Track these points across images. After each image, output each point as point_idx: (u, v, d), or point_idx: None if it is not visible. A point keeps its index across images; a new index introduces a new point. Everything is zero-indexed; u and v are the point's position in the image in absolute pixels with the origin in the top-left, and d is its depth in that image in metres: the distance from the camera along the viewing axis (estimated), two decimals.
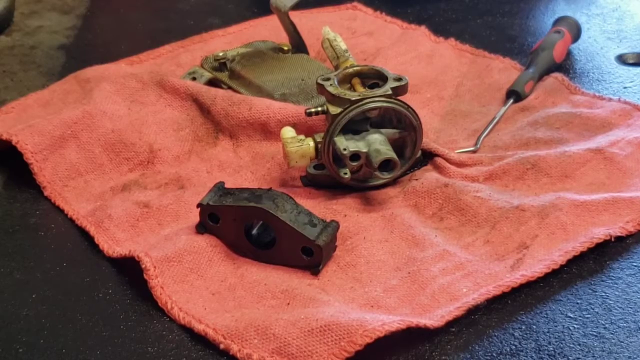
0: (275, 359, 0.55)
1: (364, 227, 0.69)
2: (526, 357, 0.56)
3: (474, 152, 0.78)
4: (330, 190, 0.74)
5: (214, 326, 0.59)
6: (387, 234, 0.68)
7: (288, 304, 0.61)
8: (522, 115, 0.83)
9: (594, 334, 0.58)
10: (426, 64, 0.94)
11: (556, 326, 0.59)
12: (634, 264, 0.65)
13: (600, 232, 0.65)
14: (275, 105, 0.80)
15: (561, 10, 1.06)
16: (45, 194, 0.75)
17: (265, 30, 1.02)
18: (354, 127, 0.71)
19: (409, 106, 0.72)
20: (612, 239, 0.65)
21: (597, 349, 0.57)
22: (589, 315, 0.60)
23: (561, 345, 0.57)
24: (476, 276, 0.62)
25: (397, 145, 0.72)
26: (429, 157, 0.77)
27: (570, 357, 0.56)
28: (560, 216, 0.67)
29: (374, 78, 0.75)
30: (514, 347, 0.57)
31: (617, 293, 0.62)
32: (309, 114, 0.73)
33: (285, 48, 0.94)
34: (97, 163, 0.78)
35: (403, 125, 0.72)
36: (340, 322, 0.56)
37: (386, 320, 0.56)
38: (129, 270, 0.65)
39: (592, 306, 0.61)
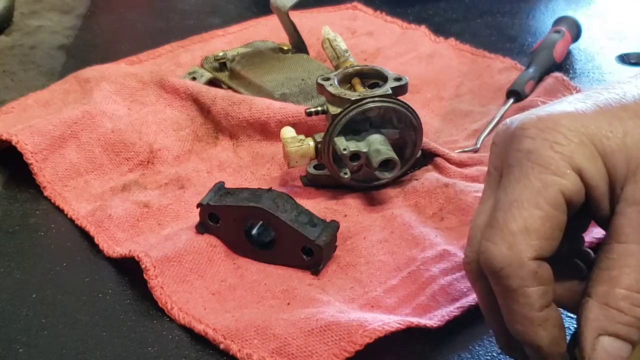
0: (275, 359, 0.55)
1: (364, 227, 0.69)
2: None
3: (474, 152, 0.78)
4: (330, 190, 0.74)
5: (214, 326, 0.59)
6: (387, 234, 0.68)
7: (288, 304, 0.61)
8: None
9: None
10: (426, 64, 0.94)
11: None
12: None
13: (600, 232, 0.65)
14: (275, 105, 0.80)
15: (561, 10, 1.06)
16: (45, 194, 0.75)
17: (265, 30, 1.02)
18: (354, 127, 0.71)
19: (409, 106, 0.72)
20: None
21: None
22: None
23: None
24: None
25: (397, 145, 0.72)
26: (429, 157, 0.77)
27: None
28: None
29: (374, 78, 0.75)
30: None
31: None
32: (309, 114, 0.73)
33: (285, 48, 0.94)
34: (97, 163, 0.78)
35: (403, 125, 0.72)
36: (341, 322, 0.56)
37: (386, 321, 0.56)
38: (129, 270, 0.65)
39: None
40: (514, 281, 0.45)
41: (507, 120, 0.49)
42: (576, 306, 0.47)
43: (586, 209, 0.46)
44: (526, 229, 0.44)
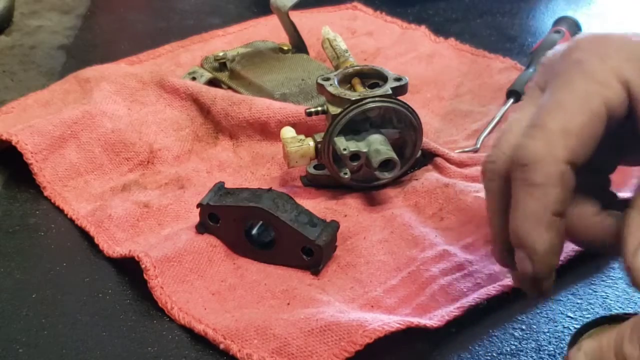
0: (275, 359, 0.55)
1: (364, 227, 0.69)
2: (526, 357, 0.56)
3: (474, 152, 0.78)
4: (330, 190, 0.74)
5: (214, 326, 0.59)
6: (387, 234, 0.68)
7: (288, 304, 0.61)
8: None
9: None
10: (426, 64, 0.94)
11: (556, 326, 0.59)
12: None
13: None
14: (275, 105, 0.80)
15: (561, 10, 1.06)
16: (45, 194, 0.75)
17: (265, 30, 1.02)
18: (354, 127, 0.71)
19: (409, 106, 0.72)
20: None
21: None
22: (589, 315, 0.60)
23: (561, 345, 0.57)
24: (476, 276, 0.62)
25: (397, 145, 0.72)
26: (429, 157, 0.77)
27: None
28: None
29: (374, 78, 0.75)
30: (514, 347, 0.57)
31: (617, 293, 0.62)
32: (309, 114, 0.73)
33: (285, 48, 0.94)
34: (97, 163, 0.78)
35: (403, 125, 0.72)
36: (341, 322, 0.56)
37: (386, 321, 0.56)
38: (129, 270, 0.65)
39: (592, 306, 0.61)
40: (540, 176, 0.46)
41: (557, 45, 0.51)
42: (584, 235, 0.49)
43: (618, 144, 0.48)
44: (565, 130, 0.46)
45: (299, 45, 0.94)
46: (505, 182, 0.49)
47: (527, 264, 0.47)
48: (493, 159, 0.50)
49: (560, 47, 0.50)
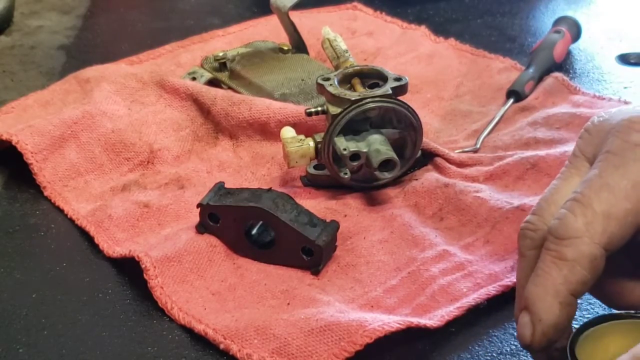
0: (275, 359, 0.55)
1: (364, 227, 0.69)
2: (526, 357, 0.56)
3: (474, 152, 0.78)
4: (330, 190, 0.74)
5: (214, 326, 0.59)
6: (387, 234, 0.68)
7: (288, 304, 0.61)
8: (522, 115, 0.83)
9: None
10: (426, 64, 0.94)
11: None
12: None
13: None
14: (275, 105, 0.80)
15: (561, 10, 1.06)
16: (45, 194, 0.75)
17: (265, 30, 1.02)
18: (354, 127, 0.71)
19: (409, 106, 0.72)
20: None
21: None
22: (589, 315, 0.60)
23: None
24: (476, 276, 0.62)
25: (397, 145, 0.72)
26: (429, 157, 0.76)
27: None
28: None
29: (374, 78, 0.75)
30: (514, 347, 0.57)
31: None
32: (309, 114, 0.73)
33: (285, 48, 0.94)
34: (97, 163, 0.78)
35: (403, 125, 0.72)
36: (341, 322, 0.56)
37: (386, 321, 0.56)
38: (129, 270, 0.65)
39: (592, 306, 0.60)
40: (572, 252, 0.45)
41: (602, 113, 0.50)
42: (618, 299, 0.50)
43: None
44: (609, 214, 0.45)
45: (299, 45, 0.94)
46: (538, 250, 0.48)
47: (527, 330, 0.46)
48: (534, 227, 0.49)
49: (608, 116, 0.49)
